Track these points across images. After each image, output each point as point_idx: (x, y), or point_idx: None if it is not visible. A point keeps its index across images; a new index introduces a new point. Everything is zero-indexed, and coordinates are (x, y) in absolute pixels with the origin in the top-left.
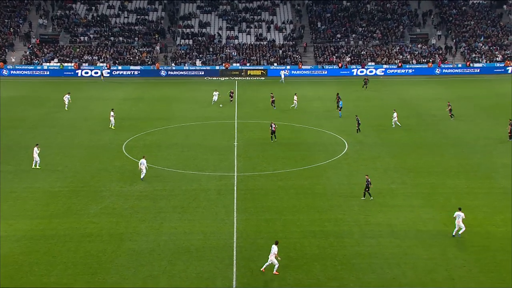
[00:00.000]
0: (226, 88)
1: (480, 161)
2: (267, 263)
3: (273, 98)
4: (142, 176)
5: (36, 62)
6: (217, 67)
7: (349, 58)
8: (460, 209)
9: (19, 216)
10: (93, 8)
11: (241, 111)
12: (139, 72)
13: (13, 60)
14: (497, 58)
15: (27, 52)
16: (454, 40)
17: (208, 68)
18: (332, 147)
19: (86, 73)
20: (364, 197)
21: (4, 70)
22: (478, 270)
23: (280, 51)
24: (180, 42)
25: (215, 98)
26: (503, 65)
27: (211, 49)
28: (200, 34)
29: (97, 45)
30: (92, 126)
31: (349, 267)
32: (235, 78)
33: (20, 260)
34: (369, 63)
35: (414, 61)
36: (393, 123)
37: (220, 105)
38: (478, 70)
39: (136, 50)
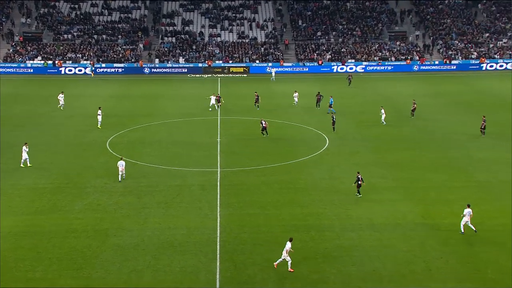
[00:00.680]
0: (209, 86)
1: (457, 155)
2: (280, 259)
3: (257, 97)
4: (120, 178)
5: (20, 60)
6: (200, 65)
7: (330, 56)
8: (468, 206)
9: (4, 213)
10: (77, 6)
11: (223, 108)
12: (123, 69)
13: None
14: (472, 56)
15: (11, 50)
16: (431, 38)
17: (191, 65)
18: (313, 142)
19: (70, 70)
20: (360, 194)
21: None
22: (455, 261)
23: (262, 49)
24: (163, 40)
25: (213, 101)
26: (478, 62)
27: (194, 47)
28: (183, 32)
29: (80, 43)
30: (77, 123)
31: (330, 260)
32: (218, 75)
33: (5, 256)
34: (349, 60)
35: (393, 58)
36: (382, 120)
37: (209, 109)
38: (455, 67)
39: (120, 48)
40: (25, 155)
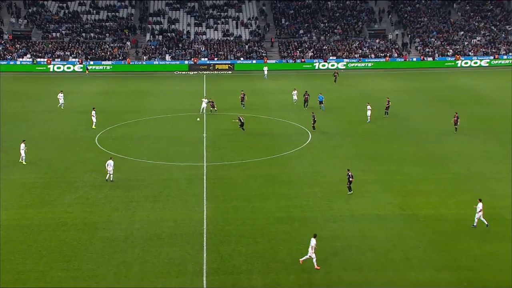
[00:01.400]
0: (195, 83)
1: (433, 148)
2: (306, 256)
3: (243, 95)
4: (107, 177)
5: (9, 57)
6: (186, 62)
7: (312, 53)
8: (480, 200)
9: None
10: (65, 5)
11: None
12: (111, 67)
13: None
14: (448, 53)
15: (0, 48)
16: (409, 36)
17: (178, 62)
18: (296, 137)
19: (59, 68)
20: (351, 191)
21: None
22: (432, 250)
23: (246, 46)
24: (150, 38)
25: (204, 105)
26: (453, 59)
27: (180, 45)
28: (169, 30)
29: (69, 41)
30: (66, 120)
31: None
32: (204, 72)
33: None
34: (331, 57)
35: (373, 55)
36: (368, 116)
37: (197, 119)
38: (431, 64)
39: (108, 46)
40: (22, 153)
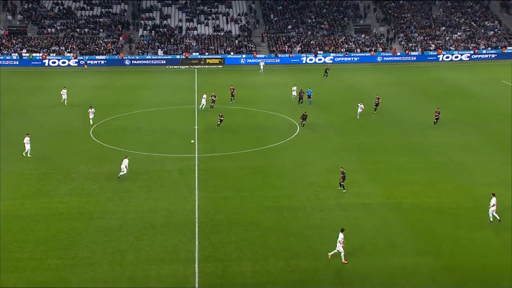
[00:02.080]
0: (187, 77)
1: (417, 140)
2: (334, 251)
3: (233, 90)
4: (120, 174)
5: (5, 52)
6: (178, 56)
7: (300, 47)
8: (493, 195)
9: None
10: (59, 1)
11: (200, 97)
12: (105, 61)
13: None
14: (431, 48)
15: None
16: (394, 31)
17: (170, 57)
18: (285, 129)
19: (54, 62)
20: (342, 188)
21: None
22: (415, 236)
23: (236, 41)
24: (142, 33)
25: (203, 102)
26: (435, 53)
27: (172, 40)
28: (161, 26)
29: (64, 36)
30: (61, 112)
31: (301, 238)
32: (195, 67)
33: None
34: (318, 52)
35: (359, 50)
36: (358, 114)
37: (192, 141)
38: (415, 58)
39: (101, 41)
40: (27, 146)
